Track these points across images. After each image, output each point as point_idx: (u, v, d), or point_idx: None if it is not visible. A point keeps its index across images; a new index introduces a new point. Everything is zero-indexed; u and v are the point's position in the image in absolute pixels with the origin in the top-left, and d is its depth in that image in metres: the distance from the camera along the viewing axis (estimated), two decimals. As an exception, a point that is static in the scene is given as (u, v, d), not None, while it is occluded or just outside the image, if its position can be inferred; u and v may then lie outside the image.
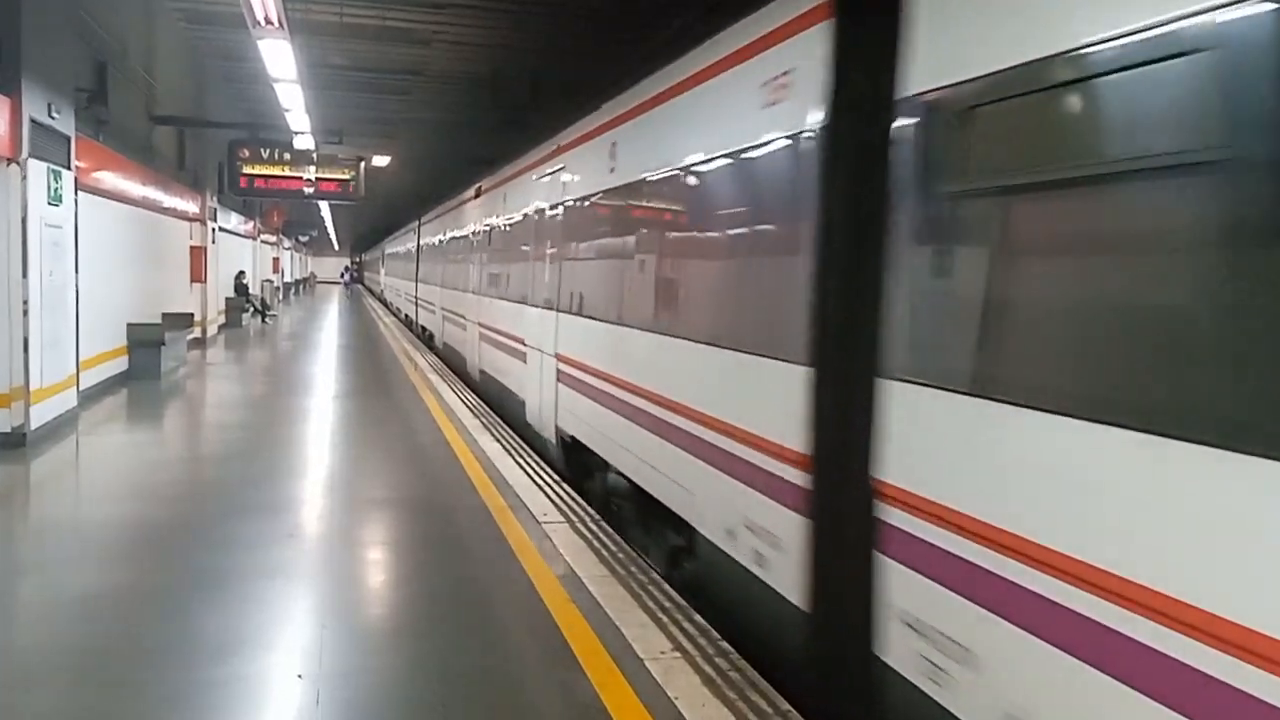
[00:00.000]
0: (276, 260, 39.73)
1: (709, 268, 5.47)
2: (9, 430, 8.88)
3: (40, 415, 9.28)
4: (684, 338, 5.59)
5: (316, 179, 18.71)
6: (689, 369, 5.50)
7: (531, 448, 9.46)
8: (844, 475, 3.83)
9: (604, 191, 7.46)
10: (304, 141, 17.86)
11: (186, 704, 3.91)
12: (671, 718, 3.83)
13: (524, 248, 10.71)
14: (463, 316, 15.87)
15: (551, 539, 6.28)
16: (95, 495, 7.83)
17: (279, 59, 11.36)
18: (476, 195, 15.47)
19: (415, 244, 27.80)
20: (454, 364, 16.91)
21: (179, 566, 5.66)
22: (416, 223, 28.85)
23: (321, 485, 8.01)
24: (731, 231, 5.15)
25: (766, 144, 4.67)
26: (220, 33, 16.95)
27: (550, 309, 9.00)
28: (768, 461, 4.50)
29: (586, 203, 8.05)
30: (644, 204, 6.60)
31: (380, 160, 25.09)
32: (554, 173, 9.37)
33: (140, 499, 7.34)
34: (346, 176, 19.07)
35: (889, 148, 3.61)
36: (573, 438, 8.16)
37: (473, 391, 13.63)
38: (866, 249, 3.75)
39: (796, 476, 4.24)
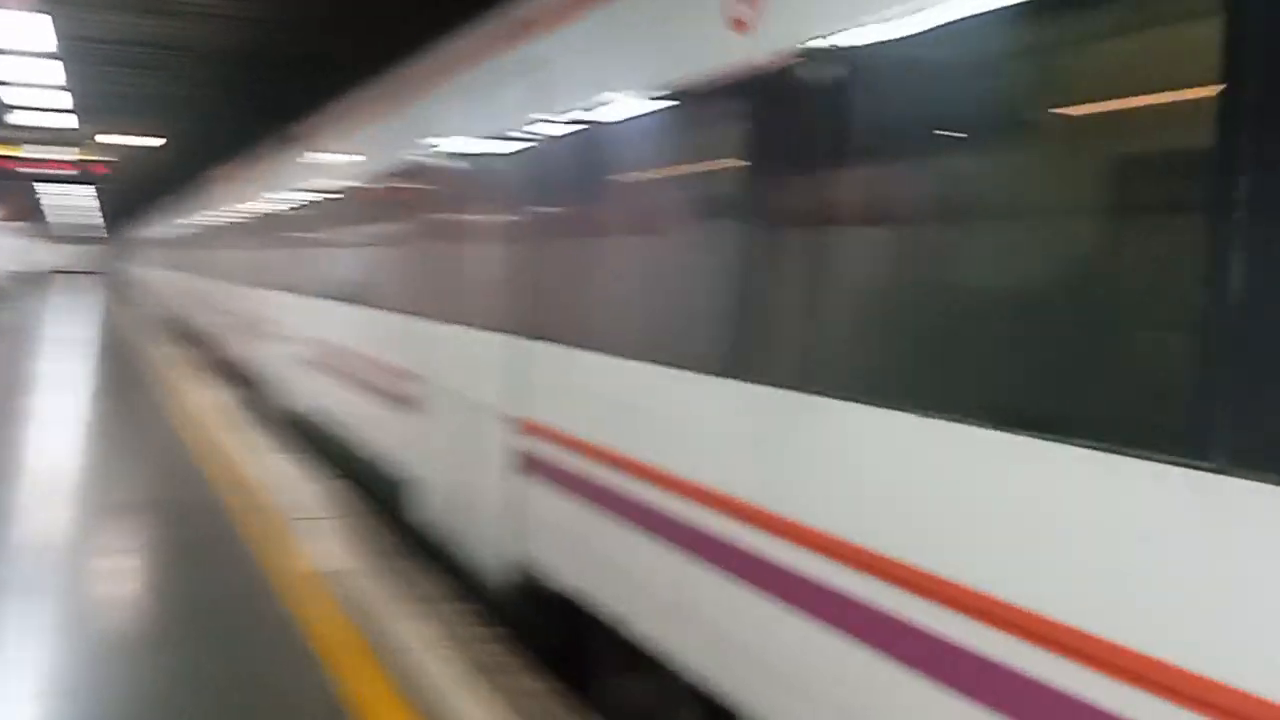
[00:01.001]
0: None
1: None
2: None
3: None
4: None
5: (47, 159, 17.16)
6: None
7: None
8: None
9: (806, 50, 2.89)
10: (26, 118, 16.23)
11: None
12: (430, 706, 3.82)
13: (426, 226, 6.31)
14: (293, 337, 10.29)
15: (309, 535, 6.11)
16: None
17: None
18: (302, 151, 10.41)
19: (192, 231, 21.33)
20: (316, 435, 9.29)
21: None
22: (198, 204, 20.94)
23: (61, 491, 7.42)
24: None
25: None
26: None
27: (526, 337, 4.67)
28: None
29: (712, 101, 3.38)
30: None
31: (136, 141, 23.33)
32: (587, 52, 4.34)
33: None
34: (88, 157, 17.62)
35: None
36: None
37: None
38: None
39: None
